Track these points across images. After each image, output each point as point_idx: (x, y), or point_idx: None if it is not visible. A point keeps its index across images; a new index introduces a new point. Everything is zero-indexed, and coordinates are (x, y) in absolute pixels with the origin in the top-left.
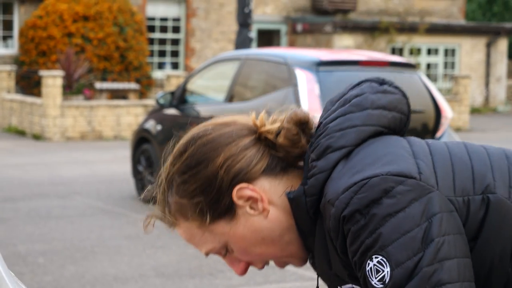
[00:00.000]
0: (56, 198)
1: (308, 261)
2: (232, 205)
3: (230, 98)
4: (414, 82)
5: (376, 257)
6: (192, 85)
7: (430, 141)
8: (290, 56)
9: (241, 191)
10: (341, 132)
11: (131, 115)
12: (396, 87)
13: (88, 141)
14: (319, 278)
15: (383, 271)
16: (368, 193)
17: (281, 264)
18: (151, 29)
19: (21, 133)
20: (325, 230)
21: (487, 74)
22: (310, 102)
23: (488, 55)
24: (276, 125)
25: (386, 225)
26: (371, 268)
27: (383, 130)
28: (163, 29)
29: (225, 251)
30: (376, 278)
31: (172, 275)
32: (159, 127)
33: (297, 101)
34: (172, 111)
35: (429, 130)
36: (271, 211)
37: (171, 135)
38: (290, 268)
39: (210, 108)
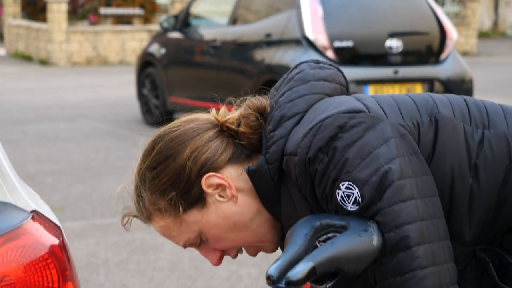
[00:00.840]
0: (63, 121)
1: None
2: (202, 194)
3: (233, 21)
4: (419, 3)
5: (343, 184)
6: (196, 9)
7: (375, 95)
8: None
9: (210, 179)
10: (292, 103)
11: (135, 40)
12: (331, 64)
13: (94, 66)
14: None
15: (353, 193)
16: (325, 133)
17: (253, 250)
18: None
19: (27, 58)
20: (290, 189)
21: None
22: (313, 24)
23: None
24: (236, 115)
25: (346, 154)
26: (341, 196)
27: (326, 98)
28: None
29: (199, 240)
30: (349, 202)
31: None
32: (163, 51)
33: (300, 23)
34: (175, 35)
35: (433, 52)
36: (240, 197)
37: (174, 58)
38: None
39: (213, 31)
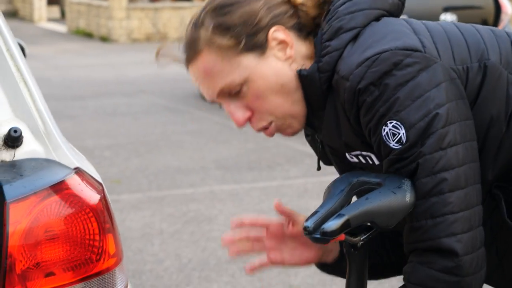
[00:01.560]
0: (122, 96)
1: (304, 135)
2: (265, 42)
3: None
4: None
5: (391, 122)
6: None
7: (424, 21)
8: None
9: (277, 33)
10: (351, 15)
11: None
12: None
13: (153, 43)
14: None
15: (399, 133)
16: (380, 67)
17: (280, 127)
18: None
19: (88, 35)
20: (336, 103)
21: None
22: None
23: None
24: None
25: (398, 93)
26: (387, 132)
27: (385, 13)
28: None
29: (238, 89)
30: (393, 140)
31: (231, 167)
32: None
33: None
34: None
35: (488, 26)
36: (293, 64)
37: None
38: None
39: None
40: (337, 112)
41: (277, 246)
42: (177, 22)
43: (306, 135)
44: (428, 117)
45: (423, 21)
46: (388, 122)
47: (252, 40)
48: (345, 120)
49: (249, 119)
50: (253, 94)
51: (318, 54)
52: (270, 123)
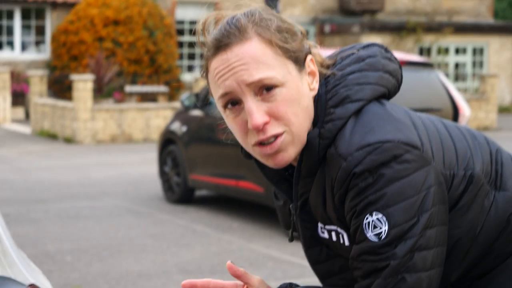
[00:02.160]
0: (85, 199)
1: (274, 197)
2: (303, 63)
3: None
4: (432, 80)
5: (376, 214)
6: None
7: (419, 114)
8: None
9: (312, 62)
10: (360, 87)
11: (160, 118)
12: (395, 57)
13: (118, 144)
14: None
15: (381, 228)
16: (380, 156)
17: (286, 143)
18: (181, 32)
19: (53, 136)
20: (325, 173)
21: None
22: None
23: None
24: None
25: (391, 187)
26: (369, 222)
27: (386, 92)
28: (193, 32)
29: (272, 88)
30: (372, 232)
31: (194, 272)
32: (184, 129)
33: None
34: (196, 113)
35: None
36: (312, 96)
37: (196, 136)
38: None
39: None
40: (324, 183)
41: None
42: (142, 123)
43: (276, 198)
44: (412, 221)
45: (419, 115)
46: (374, 213)
47: (298, 54)
48: (330, 194)
49: (264, 125)
50: (284, 99)
51: (320, 117)
52: (283, 133)
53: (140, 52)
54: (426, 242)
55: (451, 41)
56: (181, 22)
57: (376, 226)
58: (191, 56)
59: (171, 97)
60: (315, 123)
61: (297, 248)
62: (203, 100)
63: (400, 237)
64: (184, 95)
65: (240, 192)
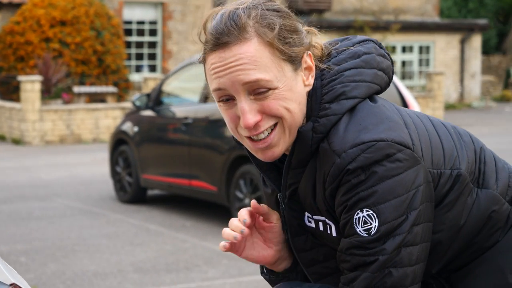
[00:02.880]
0: (36, 200)
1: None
2: (300, 61)
3: (204, 98)
4: None
5: (367, 211)
6: (168, 87)
7: (408, 111)
8: None
9: (309, 58)
10: (356, 84)
11: (109, 118)
12: (388, 53)
13: (67, 145)
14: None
15: (371, 224)
16: (373, 154)
17: (278, 137)
18: (128, 32)
19: (0, 138)
20: (316, 167)
21: (462, 70)
22: None
23: (462, 52)
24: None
25: (382, 184)
26: (359, 217)
27: (379, 90)
28: (140, 32)
29: (267, 90)
30: (362, 227)
31: (149, 270)
32: (136, 129)
33: None
34: (148, 113)
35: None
36: (307, 91)
37: (147, 136)
38: None
39: (185, 109)
40: (315, 175)
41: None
42: (91, 123)
43: (265, 185)
44: (401, 219)
45: (409, 113)
46: (365, 209)
47: (297, 53)
48: (321, 187)
49: (257, 123)
50: (276, 98)
51: (313, 111)
52: (275, 125)
53: (87, 53)
54: (413, 239)
55: (398, 39)
56: (128, 22)
57: (367, 221)
58: (139, 56)
59: (119, 97)
60: (309, 116)
61: None
62: (155, 100)
63: (389, 233)
64: (136, 96)
65: (193, 191)
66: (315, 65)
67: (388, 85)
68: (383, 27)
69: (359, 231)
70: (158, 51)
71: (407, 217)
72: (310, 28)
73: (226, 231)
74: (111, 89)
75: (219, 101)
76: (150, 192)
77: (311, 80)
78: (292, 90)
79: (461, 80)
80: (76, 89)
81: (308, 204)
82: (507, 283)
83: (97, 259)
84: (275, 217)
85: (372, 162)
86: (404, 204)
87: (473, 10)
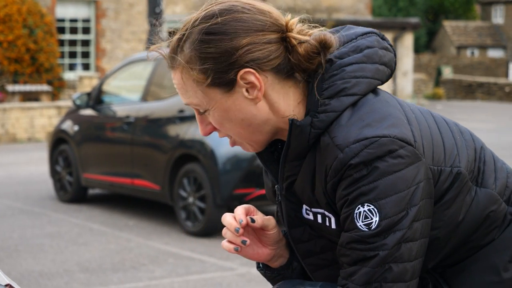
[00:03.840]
0: None
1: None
2: (234, 81)
3: (145, 97)
4: None
5: (368, 205)
6: (108, 86)
7: (411, 106)
8: None
9: (248, 75)
10: (356, 80)
11: (44, 117)
12: (390, 45)
13: (2, 144)
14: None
15: (372, 219)
16: (376, 150)
17: (240, 144)
18: (61, 30)
19: None
20: (316, 159)
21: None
22: None
23: (394, 50)
24: (303, 37)
25: (384, 179)
26: (360, 212)
27: (380, 83)
28: (73, 30)
29: (203, 111)
30: (363, 222)
31: (96, 270)
32: (76, 128)
33: None
34: (88, 112)
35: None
36: (262, 102)
37: (88, 135)
38: (210, 259)
39: (126, 107)
40: (314, 167)
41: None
42: (26, 122)
43: (266, 174)
44: (401, 214)
45: (411, 108)
46: (366, 204)
47: (221, 77)
48: (321, 181)
49: (214, 130)
50: (215, 120)
51: (313, 106)
52: (231, 137)
53: (20, 51)
54: (412, 234)
55: None
56: (61, 20)
57: (367, 216)
58: (73, 55)
59: (54, 96)
60: (308, 109)
61: (196, 244)
62: (95, 99)
63: (390, 228)
64: (76, 94)
65: (136, 190)
66: (306, 66)
67: (390, 77)
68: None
69: (360, 225)
70: (92, 49)
71: (407, 213)
72: (317, 25)
73: (224, 243)
74: (45, 87)
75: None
76: (91, 191)
77: (258, 94)
78: (228, 111)
79: (394, 78)
80: (10, 87)
81: (306, 197)
82: (502, 280)
83: (41, 259)
84: (271, 225)
85: (375, 157)
86: (405, 200)
87: (403, 9)
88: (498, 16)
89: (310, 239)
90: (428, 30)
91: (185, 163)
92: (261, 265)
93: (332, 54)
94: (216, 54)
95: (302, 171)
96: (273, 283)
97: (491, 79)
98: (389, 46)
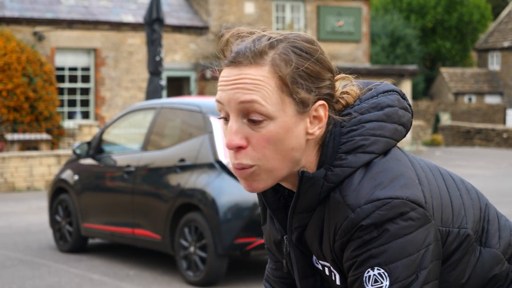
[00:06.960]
0: None
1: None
2: (308, 107)
3: (146, 146)
4: None
5: (378, 269)
6: (108, 135)
7: (421, 163)
8: (204, 104)
9: (322, 108)
10: (375, 138)
11: (43, 166)
12: (409, 105)
13: (1, 193)
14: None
15: (382, 283)
16: (388, 212)
17: (256, 176)
18: (61, 78)
19: None
20: (325, 215)
21: None
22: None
23: (412, 111)
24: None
25: (394, 242)
26: (370, 276)
27: (396, 143)
28: (73, 79)
29: (260, 119)
30: (372, 286)
31: None
32: (76, 177)
33: (213, 147)
34: (89, 161)
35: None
36: (309, 144)
37: (88, 184)
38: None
39: (127, 157)
40: (323, 222)
41: None
42: (25, 171)
43: (264, 223)
44: (411, 278)
45: (421, 165)
46: (376, 267)
47: (306, 96)
48: (329, 238)
49: (239, 149)
50: (266, 135)
51: (327, 159)
52: (252, 166)
53: (19, 100)
54: None
55: None
56: (61, 69)
57: (377, 280)
58: (72, 103)
59: (53, 144)
60: (321, 162)
61: None
62: (96, 148)
63: None
64: (76, 144)
65: (136, 239)
66: (336, 110)
67: (404, 136)
68: None
69: None
70: (91, 97)
71: (417, 277)
72: (346, 75)
73: None
74: (45, 136)
75: (220, 118)
76: (91, 241)
77: (316, 131)
78: (288, 132)
79: None
80: (9, 136)
81: (314, 249)
82: None
83: None
84: None
85: (386, 219)
86: (415, 263)
87: (401, 56)
88: (494, 63)
89: None
90: (426, 77)
91: (186, 212)
92: None
93: (352, 108)
94: (310, 72)
95: (310, 224)
96: None
97: (489, 125)
98: (408, 107)
